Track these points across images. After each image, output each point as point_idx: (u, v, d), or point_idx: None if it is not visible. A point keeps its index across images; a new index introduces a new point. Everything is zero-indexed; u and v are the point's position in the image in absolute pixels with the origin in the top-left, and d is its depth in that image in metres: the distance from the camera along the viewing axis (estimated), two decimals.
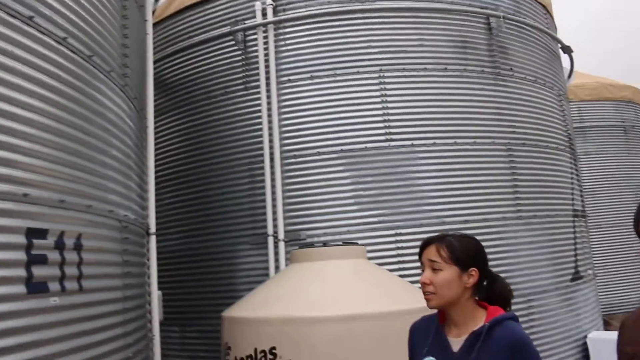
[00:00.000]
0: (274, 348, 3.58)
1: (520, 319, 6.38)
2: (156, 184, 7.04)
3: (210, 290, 6.34)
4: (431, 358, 1.98)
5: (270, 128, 6.19)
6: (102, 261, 3.28)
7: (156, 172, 7.15)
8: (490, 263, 6.35)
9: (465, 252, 2.02)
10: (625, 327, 1.56)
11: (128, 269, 3.67)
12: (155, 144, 7.11)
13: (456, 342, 1.98)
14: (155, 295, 4.87)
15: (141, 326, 4.04)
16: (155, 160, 7.18)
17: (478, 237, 6.27)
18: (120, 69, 3.74)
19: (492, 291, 2.05)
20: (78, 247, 2.98)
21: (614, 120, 12.70)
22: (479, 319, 1.99)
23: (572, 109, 10.40)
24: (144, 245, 4.62)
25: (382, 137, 6.15)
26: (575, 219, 7.74)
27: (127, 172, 3.86)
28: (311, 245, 4.50)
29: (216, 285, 6.33)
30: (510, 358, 1.86)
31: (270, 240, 6.01)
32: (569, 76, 10.05)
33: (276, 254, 5.94)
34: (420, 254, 2.08)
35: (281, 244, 5.92)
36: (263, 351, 3.62)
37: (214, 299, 6.17)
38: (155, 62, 6.56)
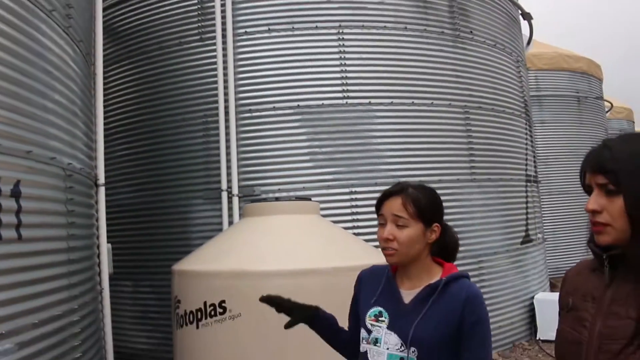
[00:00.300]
0: (223, 301, 3.55)
1: (472, 279, 6.57)
2: (107, 135, 6.83)
3: (163, 245, 6.25)
4: (379, 308, 1.92)
5: (225, 81, 6.04)
6: (44, 210, 3.15)
7: (107, 123, 6.93)
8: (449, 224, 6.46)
9: (431, 207, 1.92)
10: (567, 279, 1.58)
11: (73, 219, 3.55)
12: (107, 94, 6.87)
13: (408, 294, 1.91)
14: (105, 248, 4.76)
15: (88, 278, 3.94)
16: (107, 111, 6.96)
17: None
18: (63, 9, 3.54)
19: (442, 242, 1.96)
20: (16, 194, 2.85)
21: (569, 91, 12.97)
22: (434, 274, 1.93)
23: (529, 78, 10.52)
24: (92, 197, 4.48)
25: (340, 95, 6.08)
26: (528, 184, 7.91)
27: (72, 119, 3.69)
28: (264, 200, 4.44)
29: (169, 240, 6.24)
30: (460, 310, 1.82)
31: (224, 195, 5.93)
32: (528, 43, 10.14)
33: (230, 209, 5.87)
34: (379, 206, 1.92)
35: (235, 200, 5.85)
36: (212, 304, 3.59)
37: (167, 254, 6.08)
38: (106, 9, 6.29)
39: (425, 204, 1.90)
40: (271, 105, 6.04)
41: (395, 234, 1.85)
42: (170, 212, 6.31)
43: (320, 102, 6.05)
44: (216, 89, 6.06)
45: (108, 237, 6.77)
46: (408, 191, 1.91)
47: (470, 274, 6.37)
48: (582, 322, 1.40)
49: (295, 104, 6.03)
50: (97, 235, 4.70)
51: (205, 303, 3.61)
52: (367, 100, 6.15)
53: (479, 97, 6.92)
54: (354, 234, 5.80)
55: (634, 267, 1.32)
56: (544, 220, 9.72)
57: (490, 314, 6.31)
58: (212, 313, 3.57)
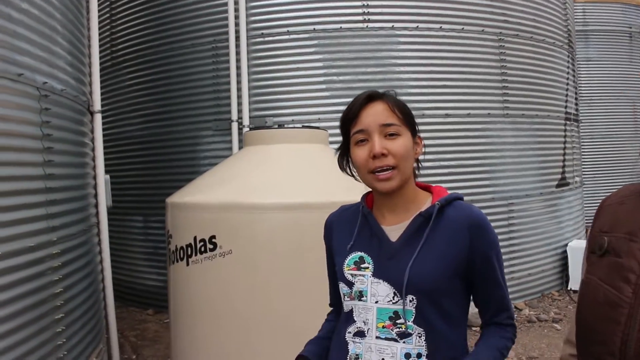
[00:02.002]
0: (213, 237, 3.24)
1: (499, 223, 6.14)
2: (116, 63, 6.52)
3: (172, 179, 5.98)
4: (359, 253, 1.51)
5: (236, 2, 5.57)
6: (9, 131, 2.83)
7: (116, 50, 6.60)
8: (471, 162, 6.02)
9: (411, 112, 1.53)
10: (602, 210, 1.14)
11: (51, 144, 3.23)
12: (114, 20, 6.50)
13: (393, 231, 1.49)
14: (102, 179, 4.48)
15: (75, 209, 3.67)
16: (115, 38, 6.62)
17: (460, 134, 5.92)
18: None
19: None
20: None
21: (620, 25, 11.88)
22: (422, 201, 1.54)
23: (576, 10, 9.67)
24: (84, 124, 4.16)
25: (360, 17, 5.55)
26: (567, 122, 7.29)
27: (49, 34, 3.33)
28: (268, 128, 4.06)
29: (178, 174, 5.97)
30: (468, 238, 1.43)
31: (235, 126, 5.58)
32: None
33: (240, 141, 5.51)
34: (352, 120, 1.47)
35: (246, 130, 5.47)
36: (202, 240, 3.29)
37: (175, 188, 5.78)
38: None
39: (408, 108, 1.52)
40: (285, 29, 5.57)
41: (388, 146, 1.42)
42: (179, 144, 6.01)
43: (338, 26, 5.54)
44: (226, 11, 5.61)
45: (116, 170, 6.58)
46: (388, 94, 1.50)
47: (498, 217, 5.93)
48: (623, 273, 0.96)
49: (311, 27, 5.54)
50: (94, 166, 4.42)
51: (195, 238, 3.32)
52: (390, 24, 5.61)
53: (516, 23, 6.27)
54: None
55: None
56: (583, 163, 9.09)
57: (518, 261, 5.85)
58: (202, 249, 3.27)
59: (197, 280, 3.32)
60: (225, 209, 3.22)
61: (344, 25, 5.54)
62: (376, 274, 1.47)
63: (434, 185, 1.61)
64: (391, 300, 1.44)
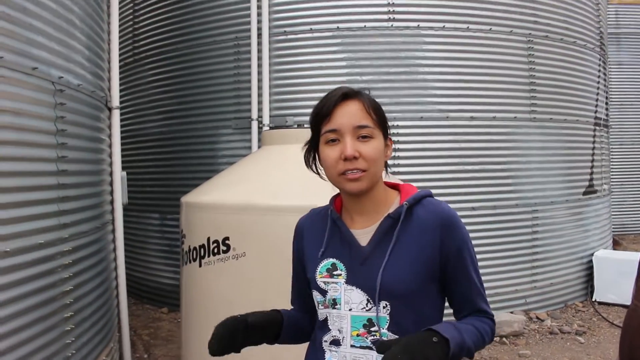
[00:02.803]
0: (227, 238, 3.16)
1: (523, 231, 5.97)
2: (138, 59, 6.50)
3: (190, 177, 5.93)
4: (331, 260, 1.45)
5: (259, 0, 5.47)
6: (22, 126, 2.78)
7: (138, 47, 6.58)
8: (495, 167, 5.87)
9: (384, 113, 1.45)
10: None
11: (65, 139, 3.19)
12: (137, 16, 6.47)
13: (363, 235, 1.43)
14: (118, 176, 4.44)
15: (89, 206, 3.63)
16: (137, 34, 6.59)
17: (485, 137, 5.78)
18: None
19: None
20: None
21: None
22: (391, 201, 1.46)
23: (609, 12, 9.41)
24: (102, 120, 4.12)
25: (385, 16, 5.44)
26: (597, 127, 7.07)
27: (66, 28, 3.28)
28: (286, 126, 3.97)
29: (196, 172, 5.91)
30: (439, 239, 1.37)
31: (254, 125, 5.50)
32: None
33: (260, 140, 5.43)
34: (325, 118, 1.39)
35: (265, 129, 5.40)
36: (216, 241, 3.21)
37: (193, 186, 5.76)
38: None
39: (381, 109, 1.44)
40: (308, 27, 5.48)
41: (360, 149, 1.35)
42: (198, 141, 5.96)
43: (362, 24, 5.43)
44: (249, 8, 5.54)
45: (135, 166, 6.56)
46: (363, 93, 1.42)
47: (522, 224, 5.73)
48: None
49: (335, 25, 5.44)
50: (111, 162, 4.38)
51: (208, 239, 3.24)
52: (415, 24, 5.47)
53: (546, 24, 6.08)
54: (393, 172, 5.29)
55: None
56: (612, 170, 8.82)
57: (541, 270, 5.64)
58: (215, 251, 3.19)
59: (209, 282, 3.24)
60: (240, 210, 3.14)
61: (368, 24, 5.42)
62: (349, 280, 1.41)
63: (402, 183, 1.54)
64: (364, 308, 1.39)
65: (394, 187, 1.52)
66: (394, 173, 5.26)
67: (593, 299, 6.35)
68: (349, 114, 1.37)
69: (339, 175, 1.38)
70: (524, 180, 5.96)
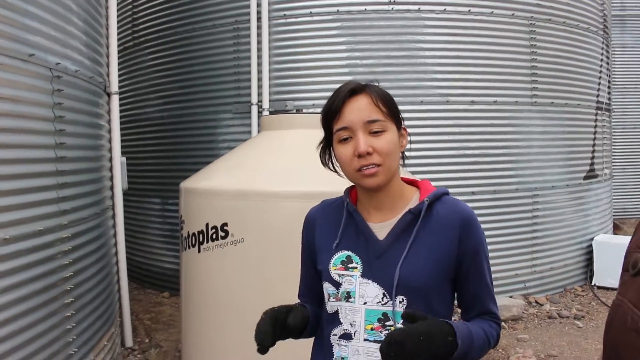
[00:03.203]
0: (225, 224, 3.17)
1: (523, 215, 5.97)
2: (137, 44, 6.46)
3: (190, 162, 5.93)
4: (346, 252, 1.43)
5: None
6: (20, 113, 2.78)
7: (137, 31, 6.53)
8: (496, 151, 5.85)
9: (395, 103, 1.43)
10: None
11: (63, 126, 3.18)
12: (136, 0, 6.42)
13: (381, 229, 1.41)
14: (118, 161, 4.44)
15: (89, 192, 3.63)
16: (136, 18, 6.55)
17: (486, 122, 5.75)
18: None
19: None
20: None
21: None
22: (409, 197, 1.45)
23: None
24: (101, 105, 4.11)
25: None
26: (599, 112, 7.03)
27: (63, 13, 3.25)
28: (284, 112, 3.95)
29: (196, 157, 5.91)
30: (458, 238, 1.37)
31: (254, 109, 5.48)
32: None
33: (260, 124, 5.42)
34: (334, 116, 1.37)
35: (265, 114, 5.38)
36: (214, 227, 3.22)
37: (193, 171, 5.75)
38: None
39: (392, 99, 1.41)
40: (308, 11, 5.44)
41: (373, 144, 1.33)
42: (198, 126, 5.95)
43: (362, 7, 5.39)
44: None
45: (135, 151, 6.56)
46: (371, 86, 1.39)
47: (522, 209, 5.74)
48: None
49: (335, 9, 5.40)
50: (110, 148, 4.38)
51: (207, 225, 3.25)
52: (416, 7, 5.43)
53: (548, 7, 6.02)
54: None
55: None
56: (614, 154, 8.79)
57: (541, 254, 5.65)
58: (214, 237, 3.20)
59: (207, 267, 3.26)
60: (238, 196, 3.14)
61: (368, 7, 5.38)
62: (365, 274, 1.39)
63: (420, 179, 1.53)
64: (380, 302, 1.37)
65: (411, 183, 1.51)
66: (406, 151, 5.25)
67: (592, 284, 6.37)
68: (358, 110, 1.35)
69: (355, 172, 1.36)
70: (525, 165, 5.95)
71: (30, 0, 2.88)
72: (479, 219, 5.16)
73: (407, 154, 1.50)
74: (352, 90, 1.37)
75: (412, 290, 1.35)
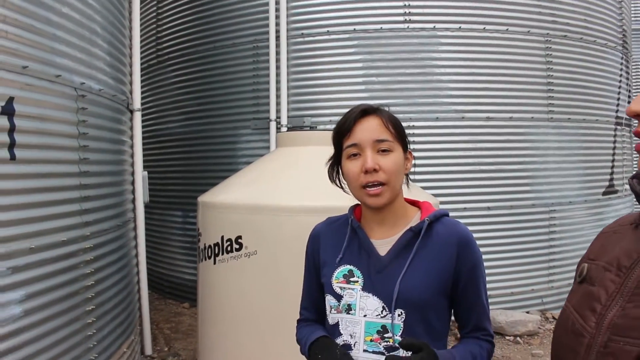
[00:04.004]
0: (240, 237, 3.30)
1: (540, 230, 5.98)
2: (161, 62, 6.68)
3: (210, 176, 6.09)
4: (348, 267, 1.52)
5: (277, 2, 5.61)
6: (46, 131, 2.95)
7: (162, 49, 6.76)
8: (512, 167, 5.90)
9: (403, 128, 1.53)
10: (598, 237, 1.11)
11: (87, 142, 3.35)
12: (160, 19, 6.65)
13: (382, 245, 1.51)
14: (139, 176, 4.61)
15: (111, 205, 3.80)
16: (160, 37, 6.77)
17: (502, 137, 5.82)
18: None
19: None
20: (9, 112, 2.66)
21: None
22: (411, 216, 1.55)
23: (635, 8, 9.28)
24: (123, 122, 4.29)
25: (401, 18, 5.50)
26: (618, 127, 7.02)
27: (88, 36, 3.44)
28: (300, 128, 4.08)
29: (215, 171, 6.07)
30: (455, 256, 1.46)
31: (273, 125, 5.63)
32: None
33: None
34: (346, 134, 1.47)
35: (283, 130, 5.52)
36: (229, 240, 3.35)
37: (213, 185, 5.93)
38: None
39: (400, 124, 1.52)
40: (325, 29, 5.58)
41: (380, 162, 1.43)
42: (218, 141, 6.12)
43: (378, 27, 5.51)
44: (267, 11, 5.66)
45: (158, 165, 6.75)
46: (382, 109, 1.50)
47: (539, 224, 5.75)
48: (591, 303, 0.92)
49: (352, 28, 5.53)
50: (132, 162, 4.56)
51: (222, 238, 3.38)
52: (431, 25, 5.53)
53: (564, 24, 6.07)
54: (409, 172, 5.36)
55: None
56: (634, 170, 8.69)
57: (559, 270, 5.65)
58: (229, 249, 3.33)
59: (222, 278, 3.38)
60: (252, 210, 3.27)
61: (384, 26, 5.50)
62: (366, 287, 1.48)
63: (421, 200, 1.62)
64: (379, 315, 1.45)
65: (413, 203, 1.61)
66: (410, 174, 5.33)
67: None
68: (369, 129, 1.45)
69: (361, 188, 1.45)
70: (541, 180, 5.97)
71: (58, 24, 3.06)
72: (495, 234, 5.33)
73: (422, 169, 1.60)
74: (364, 111, 1.48)
75: (410, 304, 1.43)
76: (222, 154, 6.10)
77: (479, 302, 1.52)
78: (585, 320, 0.92)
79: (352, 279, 1.50)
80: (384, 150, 1.45)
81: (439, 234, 1.49)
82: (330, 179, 1.63)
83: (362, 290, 1.48)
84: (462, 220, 5.78)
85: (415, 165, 4.91)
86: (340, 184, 1.61)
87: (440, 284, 1.45)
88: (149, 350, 4.59)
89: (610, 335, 0.85)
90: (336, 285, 1.52)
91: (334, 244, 1.58)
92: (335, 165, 1.59)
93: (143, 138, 5.28)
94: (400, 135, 1.49)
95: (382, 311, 1.45)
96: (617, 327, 0.85)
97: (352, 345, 1.48)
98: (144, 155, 4.90)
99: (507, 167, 5.76)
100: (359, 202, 1.57)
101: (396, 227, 1.52)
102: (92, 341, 3.31)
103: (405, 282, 1.43)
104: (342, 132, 1.49)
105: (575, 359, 0.90)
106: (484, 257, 5.42)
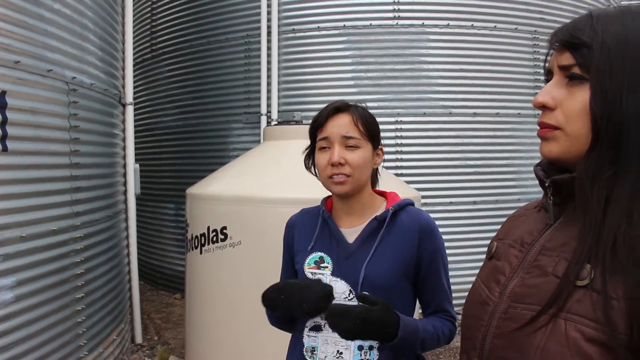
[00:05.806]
0: (225, 228, 3.40)
1: None
2: (155, 56, 6.76)
3: (201, 169, 6.16)
4: (319, 254, 1.63)
5: None
6: (38, 123, 3.05)
7: (156, 43, 6.84)
8: (498, 162, 5.96)
9: (377, 126, 1.64)
10: (508, 220, 1.22)
11: (78, 135, 3.46)
12: (155, 14, 6.73)
13: (350, 233, 1.62)
14: (131, 168, 4.71)
15: (101, 196, 3.90)
16: (155, 31, 6.86)
17: (489, 134, 5.89)
18: None
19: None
20: (1, 105, 2.76)
21: None
22: (377, 206, 1.67)
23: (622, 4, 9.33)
24: (115, 115, 4.39)
25: (390, 15, 5.60)
26: None
27: (80, 32, 3.54)
28: (287, 122, 4.18)
29: (207, 164, 6.15)
30: (417, 242, 1.57)
31: (263, 119, 5.73)
32: None
33: None
34: (319, 128, 1.60)
35: (274, 124, 5.61)
36: (215, 230, 3.46)
37: (204, 178, 6.04)
38: None
39: (373, 122, 1.61)
40: (315, 25, 5.67)
41: (346, 156, 1.55)
42: (210, 135, 6.21)
43: (368, 23, 5.60)
44: (259, 7, 5.74)
45: (151, 158, 6.85)
46: (355, 108, 1.61)
47: None
48: (497, 275, 1.03)
49: (342, 24, 5.62)
50: (124, 155, 4.65)
51: (208, 228, 3.48)
52: (420, 22, 5.62)
53: (552, 21, 6.14)
54: (396, 165, 5.47)
55: (577, 195, 0.91)
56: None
57: None
58: (214, 239, 3.44)
59: (208, 268, 3.49)
60: (237, 201, 3.37)
61: (374, 22, 5.59)
62: (335, 272, 1.59)
63: (389, 191, 1.73)
64: (347, 297, 1.56)
65: (381, 194, 1.72)
66: (397, 168, 5.45)
67: None
68: (339, 125, 1.57)
69: (327, 178, 1.58)
70: (527, 176, 6.07)
71: (50, 20, 3.16)
72: (481, 227, 5.46)
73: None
74: (336, 108, 1.59)
75: (375, 288, 1.53)
76: (214, 147, 6.20)
77: (440, 285, 1.62)
78: (490, 291, 1.02)
79: (322, 265, 1.62)
80: (351, 146, 1.56)
81: (403, 222, 1.59)
82: (306, 167, 1.74)
83: (332, 275, 1.59)
84: (448, 215, 5.98)
85: (402, 160, 5.03)
86: (315, 172, 1.71)
87: (403, 269, 1.56)
88: (139, 339, 4.70)
89: (510, 302, 0.96)
90: (308, 270, 1.63)
91: (307, 233, 1.69)
92: (311, 155, 1.71)
93: (137, 131, 5.38)
94: (370, 133, 1.59)
95: (349, 294, 1.56)
96: (516, 295, 0.95)
97: (322, 326, 1.59)
98: (137, 148, 5.00)
99: (494, 162, 5.86)
100: (330, 194, 1.68)
101: (363, 217, 1.63)
102: (82, 327, 3.42)
103: (370, 267, 1.54)
104: (315, 126, 1.62)
105: (480, 325, 1.00)
106: (469, 250, 5.60)
